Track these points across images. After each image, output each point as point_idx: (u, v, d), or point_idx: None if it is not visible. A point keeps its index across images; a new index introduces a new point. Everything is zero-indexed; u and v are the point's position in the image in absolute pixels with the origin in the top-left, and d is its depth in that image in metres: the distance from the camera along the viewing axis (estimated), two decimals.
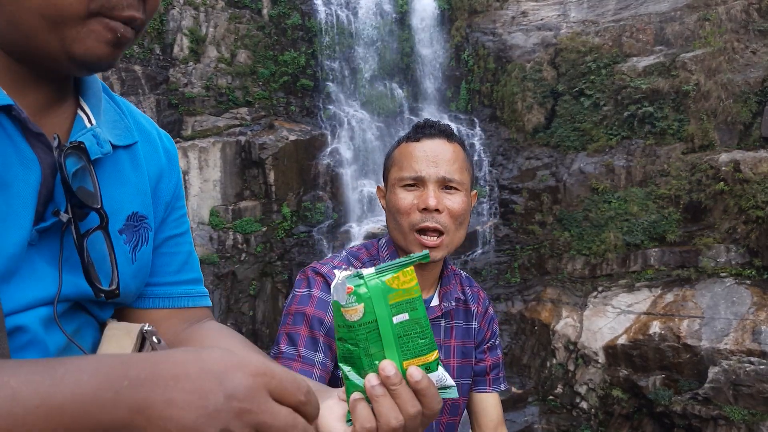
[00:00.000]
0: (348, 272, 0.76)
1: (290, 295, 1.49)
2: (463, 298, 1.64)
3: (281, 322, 1.47)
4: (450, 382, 0.80)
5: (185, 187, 10.27)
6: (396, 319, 0.74)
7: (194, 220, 10.41)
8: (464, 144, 1.57)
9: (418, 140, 1.50)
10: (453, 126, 11.87)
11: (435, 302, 1.59)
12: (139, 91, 10.55)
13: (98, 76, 0.91)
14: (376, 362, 0.76)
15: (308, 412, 0.62)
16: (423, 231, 1.45)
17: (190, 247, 1.05)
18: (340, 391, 0.83)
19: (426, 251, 0.80)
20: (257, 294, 10.53)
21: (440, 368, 0.79)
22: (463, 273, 1.73)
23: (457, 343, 1.61)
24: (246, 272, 10.48)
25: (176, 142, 10.49)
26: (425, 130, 1.51)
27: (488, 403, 1.68)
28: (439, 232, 1.44)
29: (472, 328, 1.64)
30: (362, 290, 0.74)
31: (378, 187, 1.63)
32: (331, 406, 0.82)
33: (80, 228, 0.78)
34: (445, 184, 1.46)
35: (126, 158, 0.91)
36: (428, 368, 0.77)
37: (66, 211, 0.76)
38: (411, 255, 0.77)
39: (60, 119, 0.83)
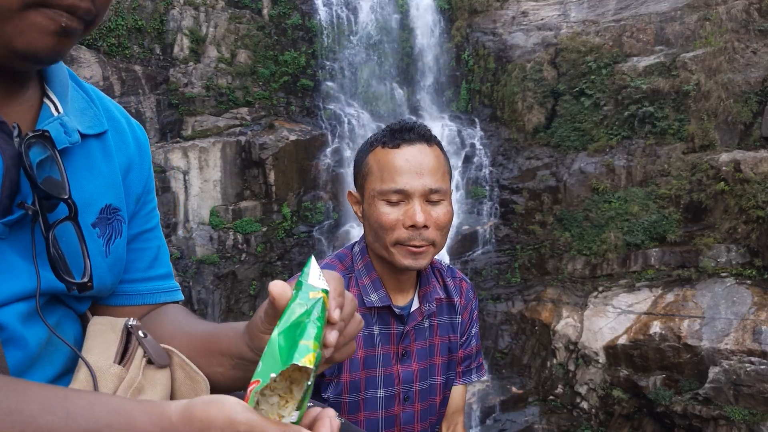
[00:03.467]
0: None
1: None
2: (444, 295, 1.58)
3: None
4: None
5: (185, 188, 10.27)
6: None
7: (194, 220, 10.41)
8: (440, 143, 1.48)
9: (397, 147, 1.39)
10: (453, 126, 11.89)
11: (415, 306, 1.52)
12: (139, 91, 10.55)
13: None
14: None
15: None
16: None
17: (160, 241, 1.03)
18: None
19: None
20: (257, 294, 10.53)
21: None
22: (444, 264, 1.67)
23: (442, 340, 1.58)
24: (246, 272, 10.48)
25: (176, 142, 10.49)
26: (404, 134, 1.40)
27: (454, 393, 1.67)
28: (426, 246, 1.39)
29: (456, 323, 1.60)
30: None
31: (349, 193, 1.52)
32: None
33: (49, 219, 0.75)
34: (430, 196, 1.38)
35: (97, 148, 0.88)
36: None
37: (33, 203, 0.74)
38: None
39: (24, 108, 0.80)
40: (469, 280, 1.71)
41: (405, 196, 1.37)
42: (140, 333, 0.86)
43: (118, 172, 0.91)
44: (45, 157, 0.76)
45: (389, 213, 1.37)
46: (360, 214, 1.48)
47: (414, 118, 1.53)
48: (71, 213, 0.78)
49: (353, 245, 1.56)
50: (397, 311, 1.48)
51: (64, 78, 0.87)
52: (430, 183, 1.37)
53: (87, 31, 0.76)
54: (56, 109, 0.82)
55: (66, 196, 0.76)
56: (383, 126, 1.54)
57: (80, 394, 0.64)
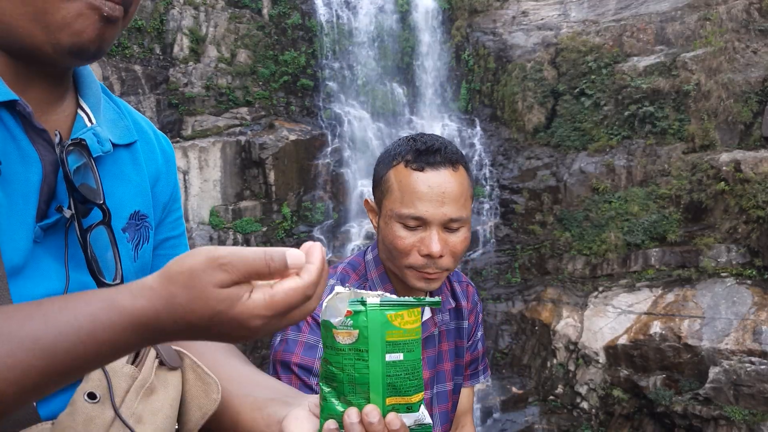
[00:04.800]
0: (347, 290, 0.73)
1: (277, 338, 1.38)
2: (453, 303, 1.58)
3: (269, 369, 1.35)
4: (427, 420, 0.78)
5: (185, 187, 10.26)
6: (389, 357, 0.71)
7: (194, 220, 10.40)
8: (467, 162, 1.42)
9: (421, 170, 1.33)
10: (453, 126, 11.88)
11: (427, 315, 1.50)
12: (139, 91, 10.54)
13: (98, 75, 0.91)
14: (359, 394, 0.73)
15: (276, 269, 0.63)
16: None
17: (186, 249, 1.06)
18: (312, 404, 0.81)
19: (439, 298, 0.78)
20: None
21: (422, 408, 0.77)
22: None
23: (450, 346, 1.57)
24: None
25: (176, 142, 10.48)
26: (429, 158, 1.34)
27: (462, 395, 1.67)
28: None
29: (463, 328, 1.60)
30: (361, 318, 0.70)
31: (366, 201, 1.49)
32: (300, 418, 0.81)
33: (83, 224, 0.78)
34: (449, 224, 1.35)
35: (127, 157, 0.92)
36: (410, 408, 0.75)
37: (69, 207, 0.77)
38: (423, 298, 0.74)
39: (60, 117, 0.83)
40: (472, 283, 1.70)
41: (423, 222, 1.33)
42: None
43: (147, 180, 0.95)
44: (80, 165, 0.79)
45: (405, 238, 1.34)
46: (375, 225, 1.46)
47: (442, 136, 1.42)
48: (105, 217, 0.81)
49: (365, 252, 1.53)
50: None
51: (96, 91, 0.90)
52: (450, 212, 1.33)
53: (125, 20, 0.79)
54: (89, 119, 0.86)
55: (101, 201, 0.80)
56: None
57: (54, 298, 0.63)
